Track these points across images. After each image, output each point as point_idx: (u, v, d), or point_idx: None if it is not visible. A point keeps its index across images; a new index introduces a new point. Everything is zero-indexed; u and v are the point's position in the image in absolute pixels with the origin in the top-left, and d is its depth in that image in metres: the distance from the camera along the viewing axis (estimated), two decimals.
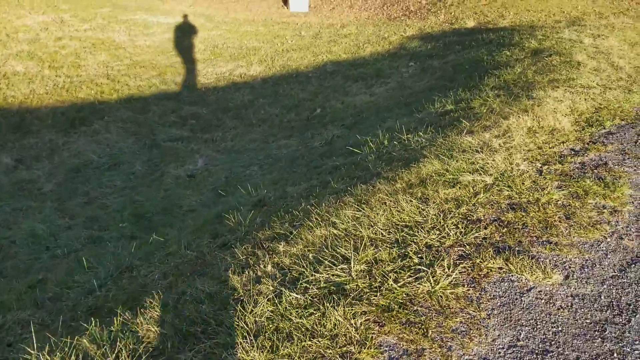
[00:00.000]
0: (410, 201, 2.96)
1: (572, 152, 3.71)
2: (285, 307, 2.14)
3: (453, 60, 8.27)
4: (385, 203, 2.99)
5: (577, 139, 3.89)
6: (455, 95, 5.17)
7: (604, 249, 2.53)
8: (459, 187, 3.13)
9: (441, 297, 2.17)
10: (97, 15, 12.92)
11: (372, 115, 6.34)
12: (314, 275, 2.35)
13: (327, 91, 8.11)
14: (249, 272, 2.49)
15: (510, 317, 2.09)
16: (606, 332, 2.01)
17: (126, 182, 6.25)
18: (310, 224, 2.90)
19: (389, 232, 2.68)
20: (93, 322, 2.13)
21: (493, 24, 11.82)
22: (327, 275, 2.34)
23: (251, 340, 1.93)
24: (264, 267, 2.52)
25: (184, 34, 11.92)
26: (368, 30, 13.00)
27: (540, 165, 3.52)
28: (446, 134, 4.09)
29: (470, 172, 3.30)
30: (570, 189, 3.14)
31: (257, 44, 11.35)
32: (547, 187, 3.17)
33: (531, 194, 3.07)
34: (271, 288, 2.31)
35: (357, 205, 2.99)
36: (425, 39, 11.19)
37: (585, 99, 4.82)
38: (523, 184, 3.21)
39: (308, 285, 2.29)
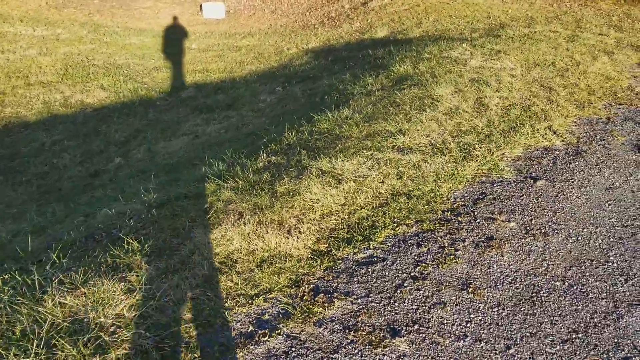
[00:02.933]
0: None
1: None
2: None
3: (316, 88, 6.57)
4: None
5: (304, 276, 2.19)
6: (219, 165, 3.44)
7: None
8: None
9: None
10: None
11: (163, 174, 4.60)
12: None
13: (156, 128, 6.36)
14: None
15: None
16: None
17: None
18: None
19: None
20: None
21: (403, 34, 10.13)
22: None
23: None
24: None
25: (49, 49, 10.06)
26: (269, 41, 11.25)
27: None
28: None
29: None
30: None
31: (128, 61, 9.55)
32: None
33: None
34: None
35: None
36: (318, 54, 9.48)
37: (386, 176, 3.11)
38: None
39: None
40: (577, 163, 3.59)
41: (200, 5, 15.32)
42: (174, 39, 11.88)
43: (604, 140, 3.99)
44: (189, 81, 8.44)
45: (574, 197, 3.16)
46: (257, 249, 2.37)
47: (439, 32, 9.67)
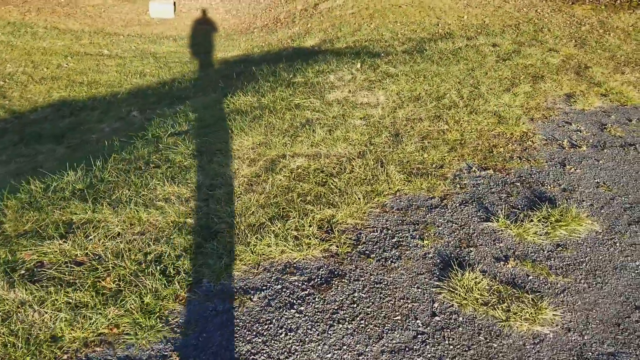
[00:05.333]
0: None
1: None
2: None
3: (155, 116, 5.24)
4: None
5: None
6: None
7: None
8: None
9: None
10: None
11: None
12: None
13: None
14: None
15: None
16: None
17: None
18: None
19: None
20: None
21: (332, 43, 8.69)
22: None
23: None
24: None
25: None
26: (192, 48, 9.95)
27: None
28: None
29: None
30: None
31: (16, 69, 8.39)
32: None
33: None
34: None
35: None
36: (228, 65, 8.14)
37: None
38: None
39: None
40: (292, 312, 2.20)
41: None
42: (92, 43, 10.69)
43: (391, 251, 2.57)
44: (56, 98, 7.21)
45: None
46: None
47: (366, 43, 8.21)
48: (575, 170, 3.51)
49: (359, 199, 2.93)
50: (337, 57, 6.72)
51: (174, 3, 14.25)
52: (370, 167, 3.33)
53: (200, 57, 9.17)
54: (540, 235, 2.71)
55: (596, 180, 3.39)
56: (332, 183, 3.09)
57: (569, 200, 3.11)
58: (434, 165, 3.47)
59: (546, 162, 3.62)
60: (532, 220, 2.79)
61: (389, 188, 3.10)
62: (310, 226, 2.62)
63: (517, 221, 2.81)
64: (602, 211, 3.01)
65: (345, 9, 10.92)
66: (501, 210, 2.93)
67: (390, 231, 2.70)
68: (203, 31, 12.07)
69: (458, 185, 3.22)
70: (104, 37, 11.20)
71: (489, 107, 4.53)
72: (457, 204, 3.00)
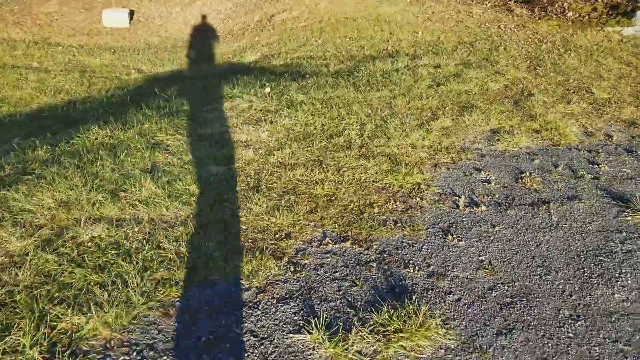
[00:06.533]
0: None
1: None
2: None
3: None
4: None
5: None
6: None
7: None
8: None
9: None
10: None
11: None
12: None
13: None
14: None
15: None
16: None
17: None
18: None
19: None
20: None
21: (270, 59, 7.96)
22: None
23: None
24: None
25: None
26: (127, 61, 9.24)
27: None
28: None
29: None
30: None
31: None
32: None
33: None
34: None
35: None
36: (143, 85, 7.40)
37: None
38: None
39: None
40: None
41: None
42: (26, 54, 9.95)
43: None
44: None
45: None
46: None
47: (304, 61, 7.49)
48: (458, 242, 2.76)
49: (140, 294, 2.17)
50: (256, 78, 5.99)
51: (130, 12, 13.55)
52: (184, 240, 2.58)
53: (131, 73, 8.44)
54: (366, 355, 1.96)
55: (480, 259, 2.64)
56: (117, 267, 2.33)
57: (429, 292, 2.35)
58: (277, 235, 2.72)
59: (427, 229, 2.87)
60: (360, 332, 2.04)
61: (196, 275, 2.35)
62: (35, 345, 1.86)
63: (342, 331, 2.05)
64: (469, 311, 2.25)
65: (299, 21, 10.22)
66: (328, 312, 2.18)
67: (156, 354, 1.94)
68: (150, 43, 11.36)
69: (292, 268, 2.46)
70: (41, 47, 10.47)
71: (387, 149, 3.79)
72: (274, 301, 2.24)
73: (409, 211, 3.02)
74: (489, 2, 11.01)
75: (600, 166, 3.81)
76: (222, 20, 13.18)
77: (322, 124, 4.16)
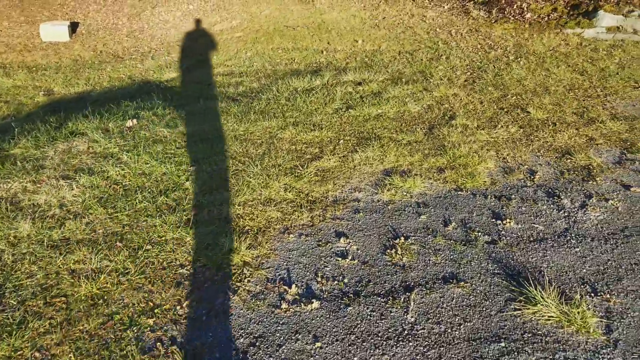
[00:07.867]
0: None
1: None
2: None
3: None
4: None
5: None
6: None
7: None
8: None
9: None
10: None
11: None
12: None
13: None
14: None
15: None
16: None
17: None
18: None
19: None
20: None
21: (182, 78, 7.10)
22: None
23: None
24: None
25: None
26: (38, 81, 8.37)
27: None
28: None
29: None
30: None
31: None
32: None
33: None
34: None
35: None
36: (34, 111, 6.54)
37: None
38: None
39: None
40: None
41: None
42: None
43: None
44: None
45: None
46: None
47: (220, 78, 6.62)
48: None
49: None
50: (145, 102, 5.12)
51: (72, 24, 12.69)
52: None
53: (37, 95, 7.57)
54: None
55: None
56: None
57: None
58: None
59: (221, 348, 2.00)
60: None
61: None
62: None
63: None
64: None
65: (235, 31, 9.37)
66: None
67: None
68: (80, 58, 10.49)
69: None
70: None
71: (229, 208, 2.92)
72: None
73: (202, 320, 2.15)
74: (446, 5, 10.15)
75: (505, 222, 2.94)
76: (167, 30, 12.33)
77: (163, 173, 3.29)
